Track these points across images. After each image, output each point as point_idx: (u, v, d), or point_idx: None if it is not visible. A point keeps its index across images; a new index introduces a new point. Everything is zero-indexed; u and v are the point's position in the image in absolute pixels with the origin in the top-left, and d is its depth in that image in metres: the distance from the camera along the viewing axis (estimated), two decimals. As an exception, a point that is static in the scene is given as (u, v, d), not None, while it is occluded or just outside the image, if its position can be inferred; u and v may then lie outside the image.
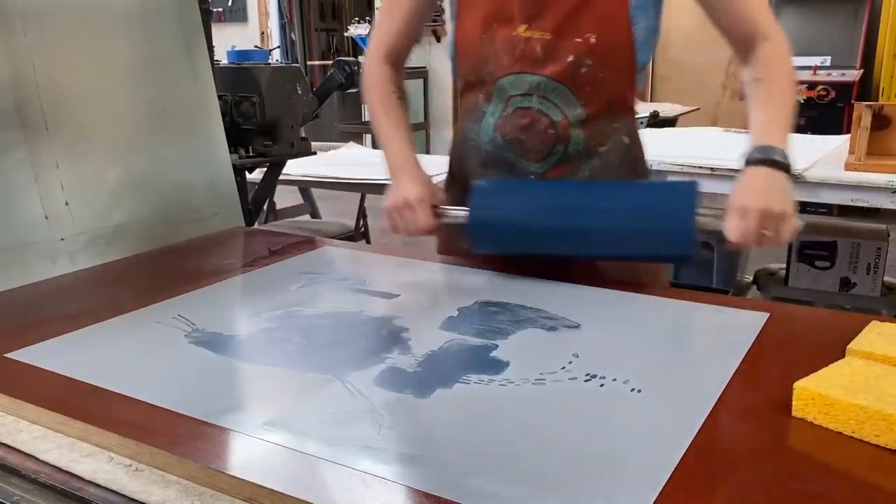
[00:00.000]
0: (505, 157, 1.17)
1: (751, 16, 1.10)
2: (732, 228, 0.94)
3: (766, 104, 1.07)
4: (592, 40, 1.09)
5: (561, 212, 1.07)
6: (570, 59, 1.10)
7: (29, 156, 1.18)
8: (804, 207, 4.62)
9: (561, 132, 1.14)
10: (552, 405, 0.74)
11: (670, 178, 2.28)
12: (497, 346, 0.87)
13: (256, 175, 2.37)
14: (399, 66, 1.27)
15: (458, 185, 1.26)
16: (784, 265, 2.74)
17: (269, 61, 2.25)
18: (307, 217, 3.54)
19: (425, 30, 7.13)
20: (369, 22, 7.04)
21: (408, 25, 1.24)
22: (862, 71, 4.81)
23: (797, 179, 2.08)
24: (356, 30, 6.82)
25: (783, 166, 0.98)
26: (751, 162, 1.00)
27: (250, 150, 2.16)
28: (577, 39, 1.09)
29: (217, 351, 0.87)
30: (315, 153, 2.48)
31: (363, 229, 3.35)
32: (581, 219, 1.05)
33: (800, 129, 4.60)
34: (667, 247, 1.01)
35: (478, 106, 1.19)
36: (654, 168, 2.27)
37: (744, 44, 1.11)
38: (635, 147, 1.22)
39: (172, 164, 1.40)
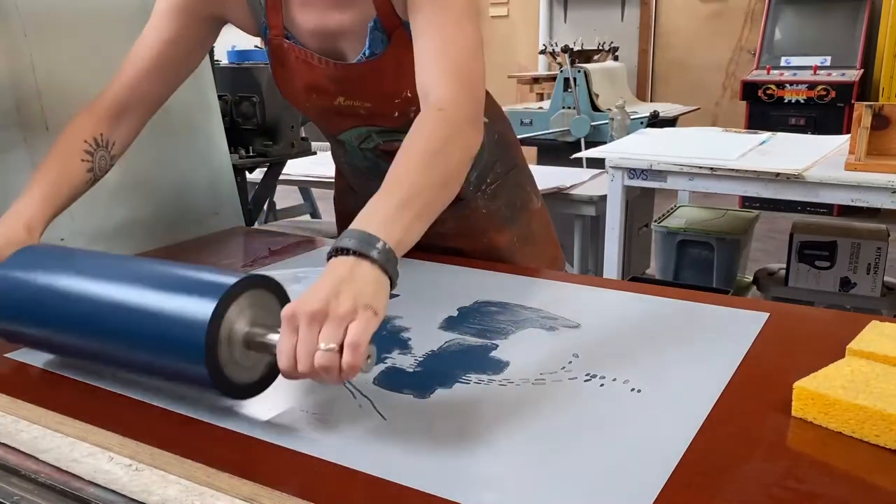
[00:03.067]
0: (382, 169, 1.14)
1: (427, 72, 0.92)
2: (280, 341, 0.65)
3: (390, 178, 0.80)
4: (409, 94, 1.06)
5: (62, 312, 0.76)
6: (396, 114, 1.10)
7: (29, 156, 1.18)
8: (804, 207, 4.63)
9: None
10: (552, 405, 0.74)
11: (670, 178, 2.28)
12: (497, 345, 0.87)
13: (256, 175, 2.37)
14: (127, 117, 1.05)
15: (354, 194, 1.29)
16: (784, 265, 2.74)
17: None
18: (307, 217, 3.54)
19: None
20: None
21: (161, 62, 1.05)
22: (862, 71, 4.81)
23: (797, 179, 2.08)
24: (356, 30, 6.80)
25: (364, 253, 0.68)
26: (331, 253, 0.70)
27: (250, 150, 2.15)
28: (396, 100, 1.09)
29: (217, 351, 0.87)
30: (315, 153, 2.48)
31: (363, 229, 3.34)
32: (88, 330, 0.75)
33: (800, 129, 4.62)
34: (190, 379, 0.72)
35: (333, 139, 1.22)
36: (654, 168, 2.27)
37: (423, 100, 0.92)
38: (495, 120, 1.25)
39: (172, 164, 1.39)
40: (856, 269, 2.60)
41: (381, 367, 0.82)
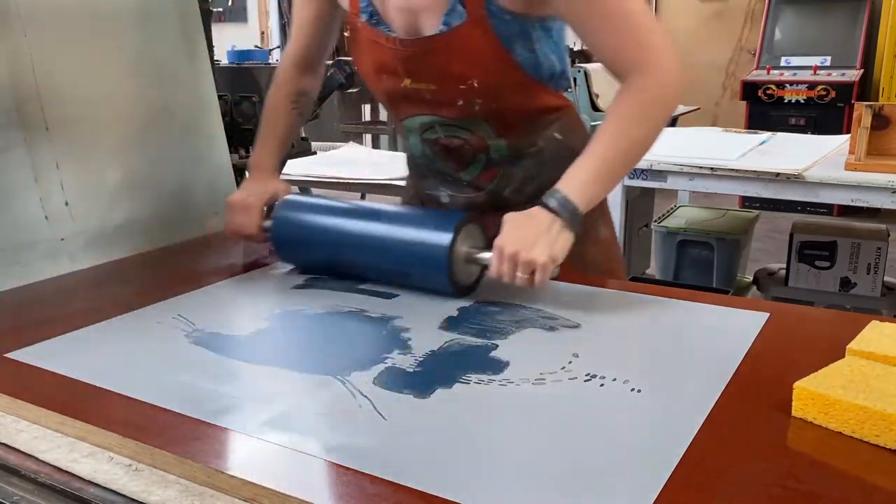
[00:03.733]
0: (435, 167, 1.22)
1: (624, 51, 1.01)
2: (493, 265, 0.95)
3: (592, 142, 1.00)
4: (475, 84, 1.08)
5: (343, 243, 1.09)
6: (460, 103, 1.11)
7: (29, 156, 1.17)
8: (804, 207, 4.64)
9: (476, 145, 1.16)
10: (552, 405, 0.74)
11: (670, 178, 2.28)
12: (497, 345, 0.87)
13: (256, 175, 2.37)
14: (309, 70, 1.31)
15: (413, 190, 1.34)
16: (784, 265, 2.74)
17: (269, 61, 2.25)
18: (307, 217, 3.53)
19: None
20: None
21: (314, 30, 1.27)
22: (862, 71, 4.81)
23: (797, 179, 2.08)
24: (356, 30, 6.80)
25: (560, 214, 0.94)
26: (539, 203, 0.96)
27: (250, 151, 2.15)
28: (461, 86, 1.09)
29: (217, 351, 0.87)
30: (315, 153, 2.48)
31: (363, 229, 3.34)
32: (360, 253, 1.08)
33: (800, 129, 4.62)
34: (432, 285, 1.04)
35: (400, 125, 1.25)
36: (654, 168, 2.27)
37: (621, 76, 1.02)
38: (571, 138, 1.19)
39: (172, 164, 1.39)
40: (856, 269, 2.60)
41: (381, 367, 0.82)
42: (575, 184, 0.96)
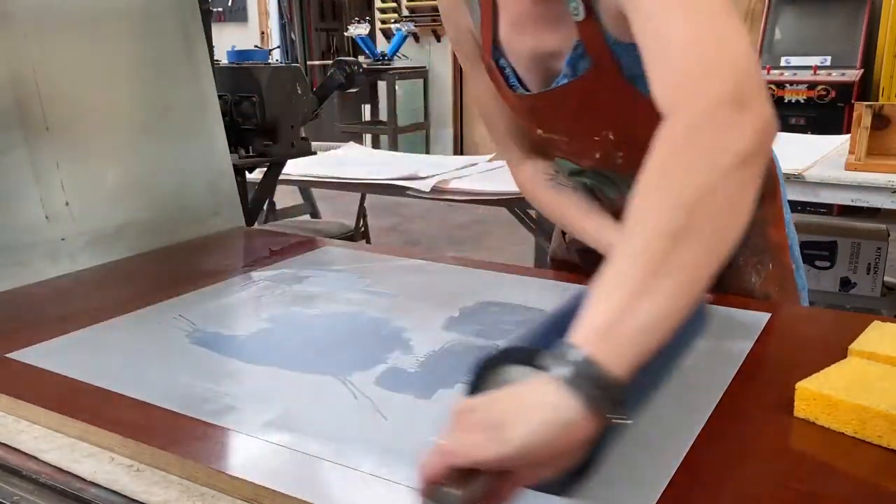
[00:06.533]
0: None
1: (655, 82, 0.66)
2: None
3: (625, 231, 0.57)
4: (611, 136, 0.94)
5: None
6: (598, 155, 0.99)
7: (29, 156, 1.17)
8: (804, 207, 4.63)
9: (621, 206, 1.00)
10: (553, 405, 0.73)
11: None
12: (498, 346, 0.87)
13: (256, 175, 2.37)
14: (528, 144, 1.07)
15: None
16: (784, 265, 2.74)
17: (269, 61, 2.25)
18: (307, 217, 3.54)
19: (425, 30, 7.15)
20: (369, 22, 7.04)
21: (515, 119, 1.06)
22: (862, 71, 4.81)
23: (797, 179, 2.08)
24: (356, 30, 6.82)
25: (573, 387, 0.49)
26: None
27: (250, 150, 2.15)
28: (595, 138, 0.95)
29: (217, 351, 0.87)
30: (315, 153, 2.48)
31: (363, 229, 3.35)
32: None
33: (800, 129, 4.62)
34: None
35: None
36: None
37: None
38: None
39: (173, 164, 1.39)
40: (856, 269, 2.60)
41: (383, 367, 0.82)
42: (598, 326, 0.51)
